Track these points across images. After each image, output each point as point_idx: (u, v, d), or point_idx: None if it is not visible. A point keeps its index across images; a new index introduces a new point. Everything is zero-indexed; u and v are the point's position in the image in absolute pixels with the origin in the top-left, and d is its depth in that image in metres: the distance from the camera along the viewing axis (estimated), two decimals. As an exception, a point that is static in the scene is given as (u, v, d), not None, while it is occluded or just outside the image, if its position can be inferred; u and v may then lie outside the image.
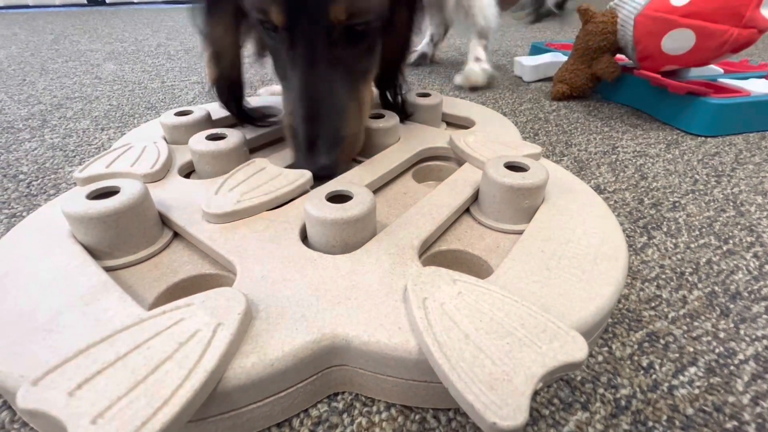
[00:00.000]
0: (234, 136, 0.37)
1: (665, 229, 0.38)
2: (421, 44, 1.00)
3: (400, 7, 0.37)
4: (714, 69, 0.71)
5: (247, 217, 0.29)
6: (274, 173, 0.33)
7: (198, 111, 0.43)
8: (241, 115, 0.44)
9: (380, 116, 0.41)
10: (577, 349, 0.18)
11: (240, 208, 0.29)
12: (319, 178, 0.34)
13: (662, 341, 0.27)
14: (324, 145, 0.33)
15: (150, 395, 0.16)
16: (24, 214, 0.39)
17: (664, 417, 0.22)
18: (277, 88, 0.48)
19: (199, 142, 0.36)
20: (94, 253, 0.27)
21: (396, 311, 0.22)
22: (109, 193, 0.28)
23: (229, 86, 0.42)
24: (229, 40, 0.38)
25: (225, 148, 0.36)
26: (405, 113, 0.46)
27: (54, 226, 0.29)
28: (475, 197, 0.33)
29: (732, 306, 0.30)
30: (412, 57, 0.98)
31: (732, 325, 0.28)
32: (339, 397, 0.23)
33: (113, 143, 0.54)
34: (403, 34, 0.40)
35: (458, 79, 0.79)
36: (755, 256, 0.35)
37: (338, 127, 0.34)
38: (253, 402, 0.20)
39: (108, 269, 0.26)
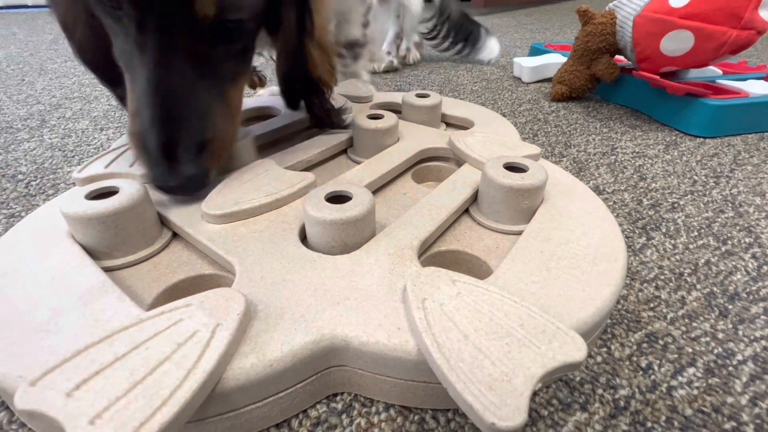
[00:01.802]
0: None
1: (664, 230, 0.38)
2: (384, 47, 0.95)
3: (287, 7, 0.32)
4: (713, 70, 0.71)
5: (247, 218, 0.29)
6: (277, 175, 0.33)
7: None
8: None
9: (379, 117, 0.41)
10: (576, 350, 0.18)
11: (239, 210, 0.29)
12: (185, 193, 0.29)
13: (661, 342, 0.27)
14: (186, 150, 0.27)
15: (148, 396, 0.16)
16: (23, 214, 0.39)
17: (663, 418, 0.22)
18: (277, 88, 0.45)
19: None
20: (92, 253, 0.27)
21: (395, 312, 0.22)
22: (108, 193, 0.28)
23: (98, 67, 0.33)
24: (79, 6, 0.30)
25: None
26: (333, 124, 0.42)
27: (53, 227, 0.28)
28: (475, 198, 0.33)
29: (730, 307, 0.30)
30: (382, 64, 0.93)
31: (730, 326, 0.28)
32: (338, 398, 0.23)
33: (112, 143, 0.54)
34: (293, 37, 0.33)
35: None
36: (754, 257, 0.35)
37: (201, 128, 0.28)
38: (252, 403, 0.20)
39: (107, 269, 0.26)
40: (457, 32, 0.98)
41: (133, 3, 0.24)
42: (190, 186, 0.29)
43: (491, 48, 0.99)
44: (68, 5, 0.31)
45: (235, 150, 0.34)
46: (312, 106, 0.40)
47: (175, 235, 0.30)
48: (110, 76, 0.33)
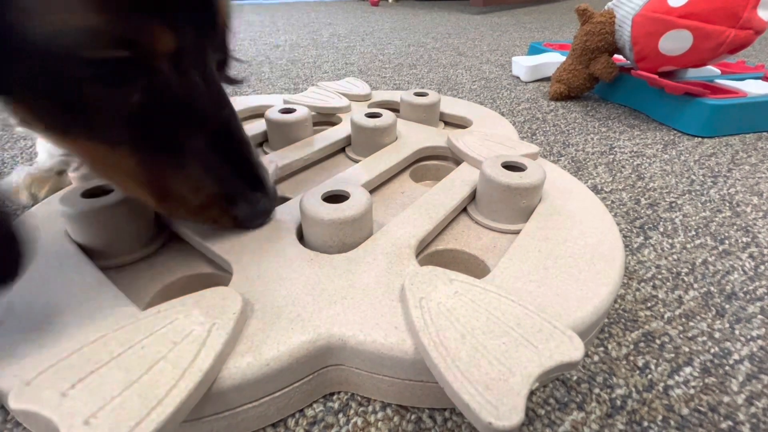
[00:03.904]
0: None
1: (662, 230, 0.38)
2: None
3: None
4: (711, 70, 0.71)
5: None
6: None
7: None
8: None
9: (377, 115, 0.41)
10: (573, 349, 0.18)
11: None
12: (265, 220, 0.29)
13: (658, 341, 0.27)
14: (266, 175, 0.27)
15: (144, 395, 0.16)
16: (18, 213, 0.39)
17: (660, 417, 0.22)
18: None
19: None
20: (89, 252, 0.26)
21: (392, 311, 0.22)
22: (104, 191, 0.28)
23: None
24: None
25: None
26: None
27: (49, 225, 0.28)
28: (473, 197, 0.33)
29: (727, 306, 0.30)
30: None
31: (727, 326, 0.28)
32: (335, 397, 0.23)
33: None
34: None
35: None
36: (751, 256, 0.35)
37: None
38: (248, 402, 0.20)
39: (103, 268, 0.26)
40: None
41: (173, 49, 0.19)
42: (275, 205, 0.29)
43: None
44: None
45: None
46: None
47: (172, 234, 0.30)
48: None
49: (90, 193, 0.27)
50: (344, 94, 0.53)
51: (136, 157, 0.21)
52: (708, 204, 0.42)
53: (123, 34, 0.17)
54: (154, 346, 0.18)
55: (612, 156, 0.52)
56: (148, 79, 0.19)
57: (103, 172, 0.22)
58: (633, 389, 0.24)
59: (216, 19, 0.21)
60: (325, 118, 0.49)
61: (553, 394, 0.23)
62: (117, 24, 0.17)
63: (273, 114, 0.41)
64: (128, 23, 0.17)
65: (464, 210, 0.33)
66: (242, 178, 0.25)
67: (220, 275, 0.27)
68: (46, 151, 0.40)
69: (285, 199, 0.32)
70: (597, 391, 0.24)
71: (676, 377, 0.24)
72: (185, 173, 0.22)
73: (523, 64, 0.84)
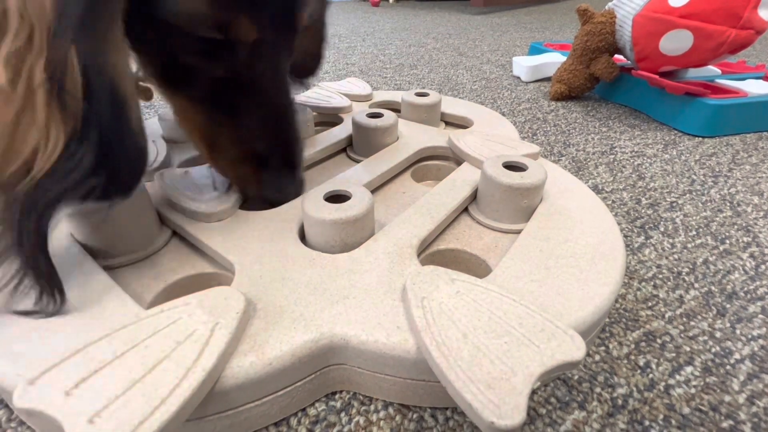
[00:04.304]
0: None
1: (662, 229, 0.38)
2: None
3: None
4: (712, 70, 0.71)
5: (243, 217, 0.29)
6: None
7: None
8: None
9: (378, 115, 0.41)
10: (574, 348, 0.18)
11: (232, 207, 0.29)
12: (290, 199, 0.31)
13: (659, 341, 0.27)
14: (300, 155, 0.30)
15: (147, 394, 0.16)
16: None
17: (661, 416, 0.22)
18: None
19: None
20: (92, 251, 0.27)
21: (394, 310, 0.22)
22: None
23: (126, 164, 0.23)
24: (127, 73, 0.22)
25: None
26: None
27: (53, 225, 0.28)
28: (474, 196, 0.33)
29: (728, 306, 0.30)
30: None
31: (728, 325, 0.28)
32: (337, 396, 0.23)
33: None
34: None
35: None
36: (751, 256, 0.35)
37: (298, 131, 0.30)
38: (251, 401, 0.20)
39: (106, 268, 0.26)
40: None
41: (255, 39, 0.24)
42: (300, 191, 0.30)
43: None
44: (115, 65, 0.23)
45: None
46: None
47: (174, 234, 0.30)
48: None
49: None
50: (345, 95, 0.53)
51: (205, 113, 0.27)
52: (709, 204, 0.42)
53: (221, 21, 0.22)
54: (158, 346, 0.18)
55: (613, 156, 0.52)
56: (231, 59, 0.24)
57: (182, 120, 0.28)
58: (634, 388, 0.24)
59: (293, 25, 0.26)
60: (327, 118, 0.50)
61: (554, 394, 0.23)
62: (218, 13, 0.22)
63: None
64: (226, 14, 0.22)
65: (465, 210, 0.33)
66: (279, 151, 0.28)
67: (222, 275, 0.27)
68: None
69: None
70: (598, 390, 0.24)
71: (678, 376, 0.25)
72: (234, 132, 0.27)
73: (523, 65, 0.84)
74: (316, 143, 0.41)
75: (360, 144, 0.41)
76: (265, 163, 0.28)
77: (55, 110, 0.18)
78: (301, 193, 0.31)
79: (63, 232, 0.27)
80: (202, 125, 0.27)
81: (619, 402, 0.23)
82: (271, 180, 0.29)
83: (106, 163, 0.20)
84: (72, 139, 0.18)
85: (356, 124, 0.40)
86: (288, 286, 0.23)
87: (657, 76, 0.60)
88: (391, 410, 0.23)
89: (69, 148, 0.18)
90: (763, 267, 0.34)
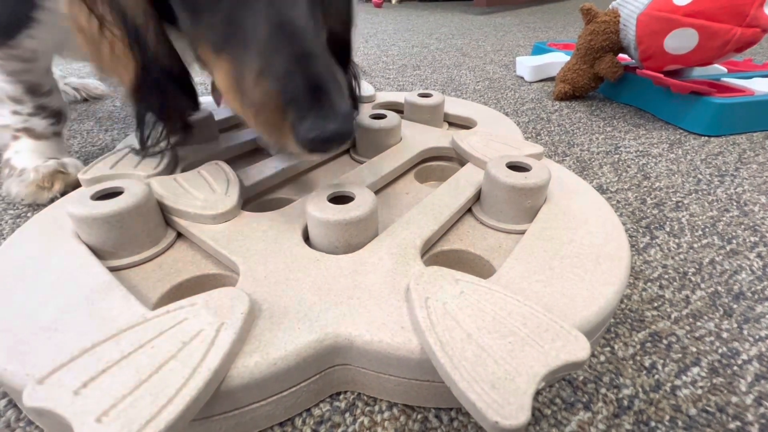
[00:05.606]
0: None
1: (668, 229, 0.38)
2: None
3: None
4: (717, 68, 0.71)
5: (248, 219, 0.29)
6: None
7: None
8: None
9: (381, 116, 0.41)
10: (579, 349, 0.18)
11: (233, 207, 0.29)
12: (344, 140, 0.25)
13: (665, 341, 0.27)
14: (341, 88, 0.25)
15: (154, 394, 0.17)
16: (29, 214, 0.40)
17: (667, 417, 0.22)
18: None
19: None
20: (98, 253, 0.27)
21: (398, 311, 0.22)
22: (113, 193, 0.28)
23: (163, 85, 0.29)
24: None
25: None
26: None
27: (59, 227, 0.29)
28: (478, 197, 0.33)
29: (735, 306, 0.30)
30: None
31: (735, 326, 0.28)
32: (341, 397, 0.23)
33: (117, 144, 0.55)
34: None
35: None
36: (759, 256, 0.34)
37: (333, 62, 0.26)
38: (256, 401, 0.20)
39: (112, 269, 0.26)
40: None
41: None
42: (349, 129, 0.24)
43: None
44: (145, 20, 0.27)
45: None
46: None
47: (179, 235, 0.30)
48: (171, 106, 0.31)
49: (99, 196, 0.28)
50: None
51: (236, 61, 0.26)
52: (715, 203, 0.42)
53: None
54: (164, 346, 0.19)
55: (617, 156, 0.52)
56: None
57: (220, 81, 0.27)
58: (640, 389, 0.24)
59: None
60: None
61: (559, 394, 0.23)
62: None
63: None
64: None
65: (469, 210, 0.33)
66: (307, 86, 0.24)
67: (227, 276, 0.27)
68: (39, 152, 0.44)
69: (290, 201, 0.32)
70: (603, 391, 0.24)
71: (684, 377, 0.24)
72: (258, 76, 0.25)
73: (527, 64, 0.84)
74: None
75: (363, 145, 0.41)
76: (292, 104, 0.24)
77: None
78: (348, 130, 0.24)
79: (69, 234, 0.28)
80: (234, 75, 0.25)
81: (625, 403, 0.23)
82: (304, 122, 0.24)
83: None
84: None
85: (360, 126, 0.40)
86: (292, 286, 0.24)
87: (662, 75, 0.59)
88: (395, 411, 0.23)
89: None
90: (770, 267, 0.33)
